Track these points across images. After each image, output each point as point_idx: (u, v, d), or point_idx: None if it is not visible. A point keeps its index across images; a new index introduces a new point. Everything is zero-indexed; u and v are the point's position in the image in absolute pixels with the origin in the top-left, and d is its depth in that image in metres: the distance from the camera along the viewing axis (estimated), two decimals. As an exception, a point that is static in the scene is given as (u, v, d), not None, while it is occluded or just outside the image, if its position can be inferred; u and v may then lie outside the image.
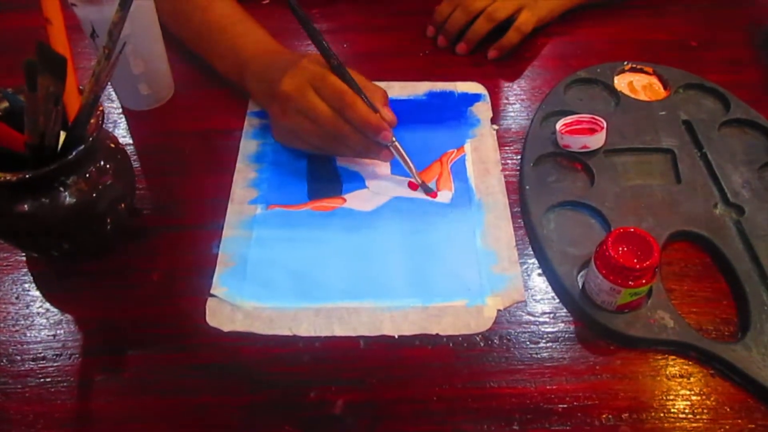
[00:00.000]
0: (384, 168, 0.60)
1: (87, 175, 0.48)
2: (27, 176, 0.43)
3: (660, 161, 0.60)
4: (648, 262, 0.45)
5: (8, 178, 0.43)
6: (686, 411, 0.45)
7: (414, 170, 0.57)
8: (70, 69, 0.47)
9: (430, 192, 0.57)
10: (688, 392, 0.46)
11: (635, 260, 0.45)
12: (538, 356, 0.47)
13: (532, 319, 0.50)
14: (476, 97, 0.67)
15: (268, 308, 0.49)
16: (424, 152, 0.61)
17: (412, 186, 0.58)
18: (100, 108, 0.48)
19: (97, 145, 0.49)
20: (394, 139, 0.56)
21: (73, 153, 0.45)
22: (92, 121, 0.47)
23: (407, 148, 0.57)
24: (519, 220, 0.56)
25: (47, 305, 0.51)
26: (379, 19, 0.78)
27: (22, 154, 0.45)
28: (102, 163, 0.49)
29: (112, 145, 0.52)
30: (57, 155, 0.46)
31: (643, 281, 0.46)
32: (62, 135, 0.47)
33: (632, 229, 0.46)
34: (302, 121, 0.55)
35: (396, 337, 0.48)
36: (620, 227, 0.47)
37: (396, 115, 0.56)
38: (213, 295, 0.50)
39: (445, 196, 0.57)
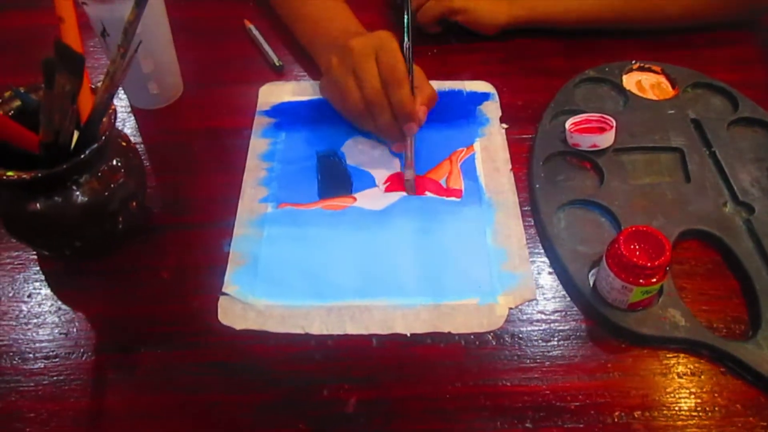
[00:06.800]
0: (395, 166, 0.60)
1: (99, 174, 0.48)
2: (40, 175, 0.43)
3: (669, 160, 0.60)
4: (660, 261, 0.45)
5: (23, 176, 0.43)
6: (698, 409, 0.45)
7: (412, 170, 0.58)
8: (83, 68, 0.47)
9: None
10: (699, 390, 0.46)
11: (647, 258, 0.45)
12: (550, 354, 0.48)
13: (543, 317, 0.50)
14: (485, 96, 0.67)
15: (280, 306, 0.50)
16: (434, 151, 0.61)
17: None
18: (112, 107, 0.48)
19: (109, 144, 0.49)
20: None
21: (87, 152, 0.45)
22: (104, 119, 0.47)
23: (416, 148, 0.57)
24: (529, 219, 0.56)
25: (59, 303, 0.51)
26: (386, 20, 0.78)
27: (33, 154, 0.45)
28: (114, 161, 0.49)
29: (124, 144, 0.52)
30: (70, 154, 0.46)
31: (655, 279, 0.46)
32: (75, 134, 0.47)
33: (644, 228, 0.46)
34: (350, 80, 0.56)
35: (408, 335, 0.48)
36: (632, 225, 0.47)
37: None
38: (224, 294, 0.51)
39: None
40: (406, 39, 0.58)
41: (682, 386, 0.46)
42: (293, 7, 0.72)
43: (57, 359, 0.48)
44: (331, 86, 0.59)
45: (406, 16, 0.59)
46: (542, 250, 0.54)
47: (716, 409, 0.45)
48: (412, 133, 0.57)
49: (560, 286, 0.52)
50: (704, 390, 0.46)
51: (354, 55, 0.56)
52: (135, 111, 0.67)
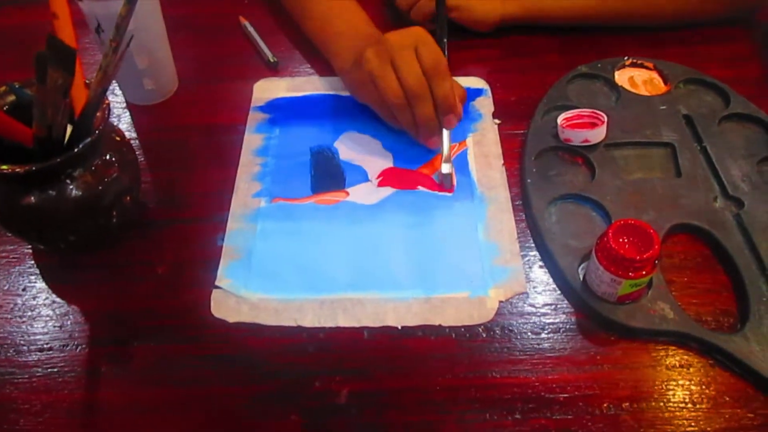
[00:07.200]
0: (388, 161, 0.60)
1: (93, 168, 0.48)
2: (34, 168, 0.44)
3: (660, 155, 0.60)
4: (648, 254, 0.45)
5: (17, 170, 0.43)
6: (686, 400, 0.45)
7: (450, 164, 0.58)
8: (77, 63, 0.48)
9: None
10: (687, 382, 0.46)
11: (636, 251, 0.46)
12: (540, 347, 0.48)
13: (533, 310, 0.50)
14: (478, 92, 0.67)
15: (273, 299, 0.50)
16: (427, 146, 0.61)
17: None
18: (106, 101, 0.48)
19: (102, 138, 0.49)
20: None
21: (80, 145, 0.45)
22: (98, 114, 0.48)
23: (409, 142, 0.58)
24: (521, 213, 0.57)
25: (54, 297, 0.51)
26: (384, 18, 0.78)
27: (28, 148, 0.46)
28: (108, 156, 0.50)
29: (118, 139, 0.52)
30: (63, 148, 0.46)
31: (644, 272, 0.46)
32: (68, 129, 0.48)
33: (633, 221, 0.47)
34: (389, 71, 0.55)
35: (399, 327, 0.49)
36: (621, 219, 0.47)
37: None
38: (218, 287, 0.51)
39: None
40: (441, 34, 0.59)
41: (670, 378, 0.46)
42: (304, 5, 0.71)
43: (51, 351, 0.48)
44: (364, 79, 0.58)
45: (439, 11, 0.60)
46: (533, 245, 0.54)
47: (705, 400, 0.45)
48: (451, 127, 0.57)
49: (551, 280, 0.52)
50: (693, 382, 0.46)
51: (393, 48, 0.55)
52: (130, 107, 0.67)
